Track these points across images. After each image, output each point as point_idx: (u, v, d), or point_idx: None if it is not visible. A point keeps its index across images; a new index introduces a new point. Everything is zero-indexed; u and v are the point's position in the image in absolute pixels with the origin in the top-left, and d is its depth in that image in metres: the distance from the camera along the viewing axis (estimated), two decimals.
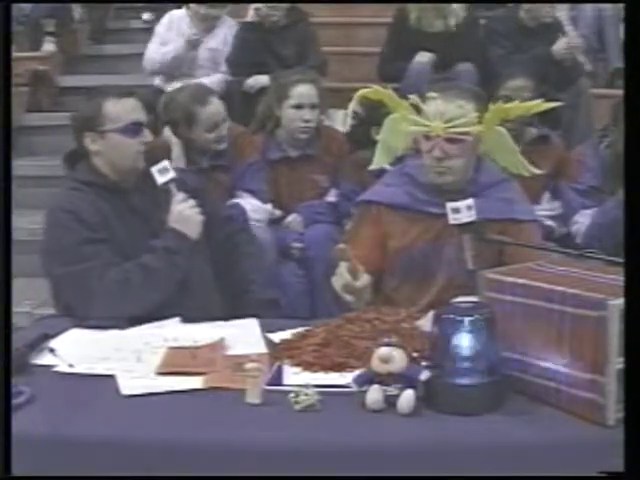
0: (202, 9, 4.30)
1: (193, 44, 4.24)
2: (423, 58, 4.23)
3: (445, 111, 2.23)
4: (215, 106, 3.35)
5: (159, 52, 4.31)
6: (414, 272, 2.36)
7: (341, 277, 2.14)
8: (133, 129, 2.34)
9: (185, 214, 2.33)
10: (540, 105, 2.36)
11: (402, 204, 2.39)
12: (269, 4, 4.34)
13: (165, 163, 2.33)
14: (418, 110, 2.28)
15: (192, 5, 4.33)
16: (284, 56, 4.34)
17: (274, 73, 3.97)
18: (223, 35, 4.40)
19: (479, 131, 2.25)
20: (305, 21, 4.52)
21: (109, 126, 2.32)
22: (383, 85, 2.53)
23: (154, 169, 2.32)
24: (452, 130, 2.22)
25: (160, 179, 2.32)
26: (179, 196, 2.34)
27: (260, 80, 4.20)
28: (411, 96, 2.30)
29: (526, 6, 4.40)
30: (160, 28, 4.38)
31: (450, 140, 2.24)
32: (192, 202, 2.35)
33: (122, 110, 2.33)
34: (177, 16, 4.39)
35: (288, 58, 4.32)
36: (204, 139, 3.32)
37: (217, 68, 4.35)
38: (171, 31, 4.33)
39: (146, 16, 5.17)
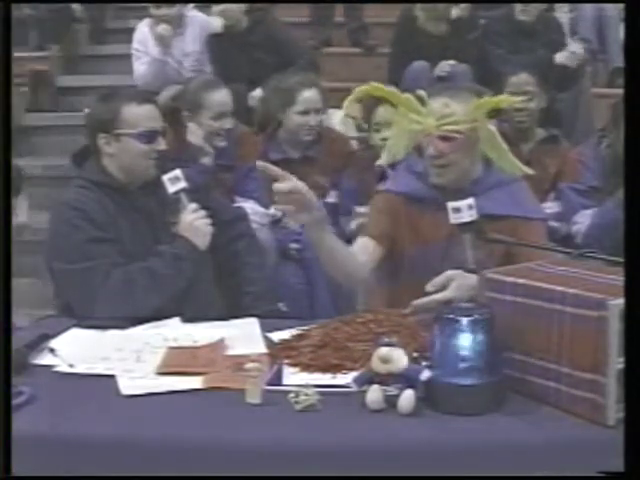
0: (158, 11, 4.28)
1: (164, 41, 4.23)
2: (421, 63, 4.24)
3: (439, 110, 2.21)
4: (223, 95, 3.37)
5: (143, 64, 4.32)
6: (424, 272, 2.18)
7: None
8: (149, 136, 2.33)
9: (195, 225, 2.33)
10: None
11: (416, 195, 2.37)
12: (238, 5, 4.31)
13: (177, 172, 2.32)
14: (421, 106, 2.24)
15: (152, 12, 4.32)
16: (258, 59, 4.28)
17: (273, 77, 3.94)
18: (199, 35, 4.38)
19: (469, 128, 2.21)
20: (271, 20, 4.44)
21: (125, 130, 2.32)
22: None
23: (165, 178, 2.31)
24: (444, 128, 2.21)
25: (171, 188, 2.31)
26: (191, 206, 2.34)
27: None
28: (420, 92, 2.26)
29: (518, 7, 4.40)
30: (135, 45, 4.40)
31: (443, 138, 2.23)
32: (203, 213, 2.35)
33: (140, 116, 2.33)
34: (144, 29, 4.39)
35: (262, 60, 4.26)
36: (209, 127, 3.32)
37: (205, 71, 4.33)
38: (145, 44, 4.34)
39: None
